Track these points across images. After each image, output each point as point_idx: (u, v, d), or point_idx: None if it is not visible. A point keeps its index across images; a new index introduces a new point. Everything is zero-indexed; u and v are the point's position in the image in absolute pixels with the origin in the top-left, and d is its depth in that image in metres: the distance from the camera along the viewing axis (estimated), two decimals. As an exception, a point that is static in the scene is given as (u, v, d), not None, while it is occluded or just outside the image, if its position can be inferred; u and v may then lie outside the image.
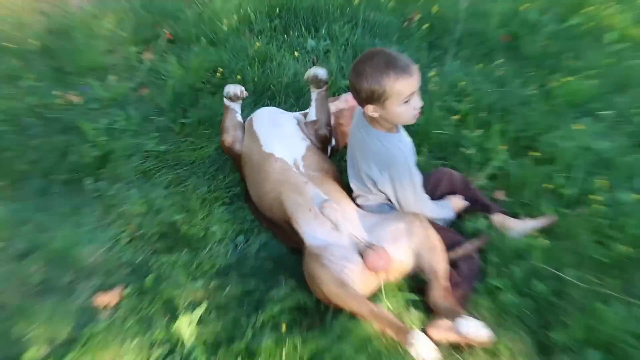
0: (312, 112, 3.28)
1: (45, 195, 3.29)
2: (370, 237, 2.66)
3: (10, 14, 5.04)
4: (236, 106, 3.32)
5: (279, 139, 3.08)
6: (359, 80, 2.55)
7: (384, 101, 2.56)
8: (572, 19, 4.63)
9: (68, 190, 3.33)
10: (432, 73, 4.00)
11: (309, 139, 3.16)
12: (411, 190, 2.78)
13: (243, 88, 3.35)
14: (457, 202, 3.01)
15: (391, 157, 2.72)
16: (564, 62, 4.18)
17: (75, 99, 4.00)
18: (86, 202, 3.23)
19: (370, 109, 2.62)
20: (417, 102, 2.63)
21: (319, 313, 2.60)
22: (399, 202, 2.81)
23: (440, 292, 2.56)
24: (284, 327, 2.47)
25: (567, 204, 3.09)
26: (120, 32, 4.76)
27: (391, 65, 2.52)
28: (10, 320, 2.62)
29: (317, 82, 3.26)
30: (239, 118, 3.32)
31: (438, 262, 2.62)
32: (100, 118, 3.78)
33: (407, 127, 3.56)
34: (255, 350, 2.40)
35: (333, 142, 3.39)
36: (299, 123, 3.24)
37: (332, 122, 3.37)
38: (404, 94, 2.54)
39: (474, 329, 2.36)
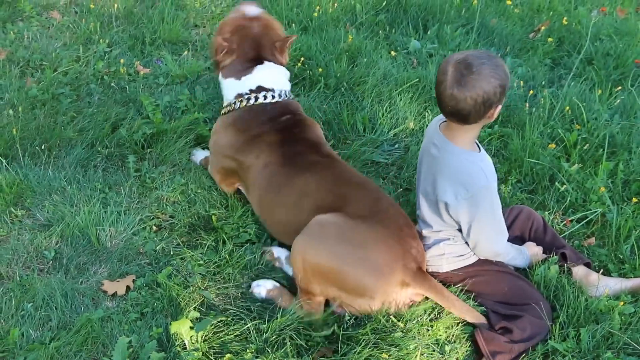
0: None
1: (85, 167, 3.36)
2: None
3: (105, -26, 5.24)
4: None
5: None
6: (490, 82, 2.42)
7: (504, 95, 2.51)
8: None
9: (109, 165, 3.39)
10: (543, 93, 3.80)
11: None
12: (489, 222, 2.64)
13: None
14: (535, 251, 2.84)
15: (471, 179, 2.58)
16: None
17: (142, 70, 4.08)
18: (124, 181, 3.27)
19: (496, 112, 2.52)
20: None
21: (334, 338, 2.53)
22: (470, 234, 2.67)
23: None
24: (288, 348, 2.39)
25: (674, 268, 2.83)
26: (212, 7, 4.83)
27: (493, 54, 2.55)
28: (8, 294, 2.67)
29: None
30: None
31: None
32: (164, 94, 3.85)
33: (496, 152, 3.41)
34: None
35: None
36: None
37: None
38: None
39: None
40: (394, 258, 2.54)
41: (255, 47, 3.20)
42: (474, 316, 2.60)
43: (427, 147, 2.77)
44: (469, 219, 2.62)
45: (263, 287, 2.77)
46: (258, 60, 3.17)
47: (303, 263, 2.56)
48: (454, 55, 2.49)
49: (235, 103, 3.11)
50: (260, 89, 3.10)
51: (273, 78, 3.15)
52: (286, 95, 3.15)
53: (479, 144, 2.73)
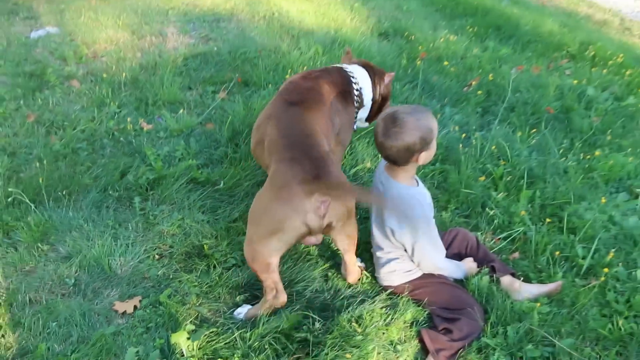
0: None
1: (99, 207, 3.39)
2: None
3: (114, 49, 5.35)
4: None
5: None
6: (411, 134, 2.52)
7: (431, 141, 2.58)
8: (629, 98, 4.42)
9: (119, 206, 3.43)
10: (475, 136, 3.91)
11: None
12: (428, 243, 2.74)
13: None
14: (470, 265, 2.92)
15: (410, 209, 2.67)
16: (610, 139, 3.98)
17: (146, 126, 4.14)
18: (131, 218, 3.30)
19: (422, 158, 2.61)
20: None
21: (306, 343, 2.56)
22: (414, 254, 2.76)
23: None
24: (269, 352, 2.44)
25: (580, 274, 2.91)
26: (202, 73, 4.93)
27: (423, 109, 2.60)
28: (36, 315, 2.70)
29: None
30: None
31: None
32: (164, 146, 3.90)
33: (438, 185, 3.51)
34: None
35: None
36: None
37: None
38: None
39: None
40: (287, 178, 2.47)
41: (365, 64, 3.41)
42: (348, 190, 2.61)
43: (376, 184, 2.87)
44: (411, 241, 2.72)
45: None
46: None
47: (250, 247, 2.58)
48: (387, 110, 2.62)
49: None
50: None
51: (355, 71, 3.29)
52: (354, 82, 3.24)
53: (418, 180, 2.82)
